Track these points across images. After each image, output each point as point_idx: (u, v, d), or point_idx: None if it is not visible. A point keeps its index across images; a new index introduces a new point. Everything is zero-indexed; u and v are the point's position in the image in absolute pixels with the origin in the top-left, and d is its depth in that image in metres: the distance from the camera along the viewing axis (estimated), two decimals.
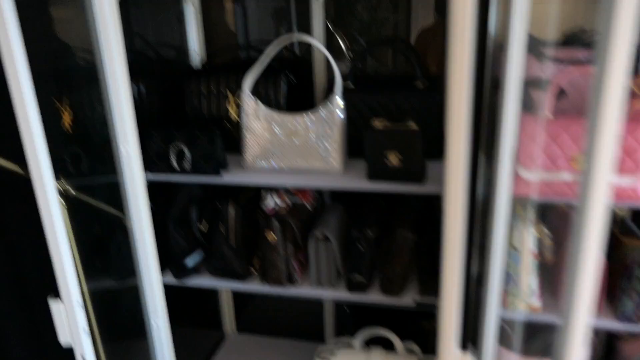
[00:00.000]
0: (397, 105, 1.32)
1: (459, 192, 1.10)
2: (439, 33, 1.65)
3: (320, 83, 1.53)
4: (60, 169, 1.09)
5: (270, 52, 1.27)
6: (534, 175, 1.08)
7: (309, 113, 1.26)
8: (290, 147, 1.28)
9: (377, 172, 1.20)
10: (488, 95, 1.04)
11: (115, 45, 1.14)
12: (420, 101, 1.31)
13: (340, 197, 1.58)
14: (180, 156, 1.29)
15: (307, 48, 1.60)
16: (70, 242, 1.09)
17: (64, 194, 1.04)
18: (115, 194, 1.28)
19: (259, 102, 1.28)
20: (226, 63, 1.63)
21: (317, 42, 1.23)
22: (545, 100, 1.07)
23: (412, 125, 1.16)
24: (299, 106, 1.47)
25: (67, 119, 1.38)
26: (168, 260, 1.43)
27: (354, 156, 1.34)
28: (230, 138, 1.44)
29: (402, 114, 1.32)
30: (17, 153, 0.98)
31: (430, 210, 1.40)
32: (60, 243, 1.05)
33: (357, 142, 1.34)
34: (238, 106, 1.43)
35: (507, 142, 0.99)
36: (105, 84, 1.17)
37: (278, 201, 1.33)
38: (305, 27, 1.67)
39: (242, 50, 1.67)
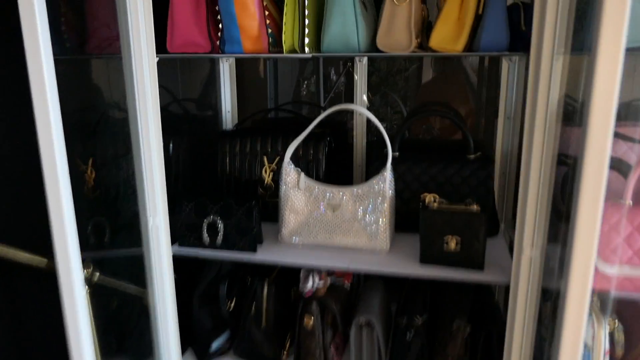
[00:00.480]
0: (447, 178, 1.22)
1: (529, 285, 0.98)
2: (437, 87, 1.59)
3: (359, 147, 1.44)
4: (82, 245, 0.99)
5: (316, 121, 1.18)
6: (615, 270, 0.96)
7: (356, 186, 1.16)
8: (333, 223, 1.17)
9: (431, 256, 1.08)
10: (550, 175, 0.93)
11: (151, 107, 1.06)
12: (471, 173, 1.21)
13: None
14: (212, 229, 1.18)
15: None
16: (90, 330, 0.97)
17: (87, 280, 0.92)
18: (138, 268, 1.16)
19: (301, 173, 1.18)
20: (259, 124, 1.54)
21: (368, 112, 1.13)
22: (629, 185, 0.96)
23: (474, 206, 1.05)
24: (336, 172, 1.38)
25: (90, 182, 1.29)
26: (191, 339, 1.29)
27: (400, 230, 1.23)
28: (263, 205, 1.34)
29: (452, 187, 1.21)
30: (37, 243, 0.87)
31: (486, 294, 1.27)
32: (81, 335, 0.93)
33: (402, 215, 1.23)
34: (273, 172, 1.33)
35: (585, 232, 0.87)
36: (138, 147, 1.08)
37: (318, 281, 1.21)
38: (348, 99, 1.60)
39: (275, 111, 1.59)
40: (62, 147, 0.82)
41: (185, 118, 1.53)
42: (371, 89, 1.63)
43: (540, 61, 0.86)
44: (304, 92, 1.80)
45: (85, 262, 0.88)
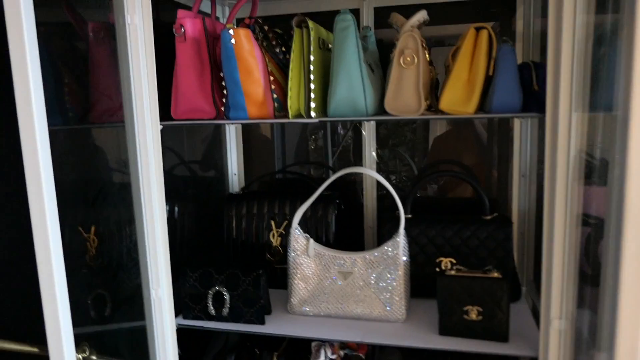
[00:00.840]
0: (463, 240, 1.16)
1: None
2: (447, 142, 1.56)
3: (369, 209, 1.40)
4: (80, 321, 0.93)
5: (323, 186, 1.14)
6: None
7: (368, 252, 1.10)
8: (345, 291, 1.11)
9: (451, 327, 1.01)
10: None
11: (154, 176, 1.03)
12: (488, 235, 1.15)
13: None
14: (218, 300, 1.12)
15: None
16: None
17: None
18: (140, 343, 1.10)
19: (310, 239, 1.13)
20: (267, 185, 1.51)
21: (378, 175, 1.10)
22: None
23: (495, 272, 0.99)
24: (346, 234, 1.33)
25: (92, 250, 1.24)
26: None
27: (415, 295, 1.17)
28: (271, 270, 1.28)
29: (469, 250, 1.16)
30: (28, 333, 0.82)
31: None
32: None
33: (418, 280, 1.17)
34: (281, 236, 1.28)
35: (630, 301, 0.80)
36: (140, 217, 1.04)
37: (330, 355, 1.14)
38: (356, 154, 1.58)
39: (282, 173, 1.56)
40: (56, 224, 0.78)
41: (191, 181, 1.50)
42: (379, 141, 1.60)
43: (557, 121, 0.82)
44: (312, 147, 1.77)
45: (80, 346, 0.82)
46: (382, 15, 1.32)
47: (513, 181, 1.29)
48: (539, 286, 1.25)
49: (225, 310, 1.11)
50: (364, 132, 1.39)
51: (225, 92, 1.04)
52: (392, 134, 1.63)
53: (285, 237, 1.27)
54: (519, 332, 1.03)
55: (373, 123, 1.36)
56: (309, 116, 0.99)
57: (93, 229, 1.23)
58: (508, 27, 1.31)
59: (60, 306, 0.80)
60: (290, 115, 1.01)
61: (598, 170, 0.93)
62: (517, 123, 1.28)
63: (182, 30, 1.02)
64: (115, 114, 1.01)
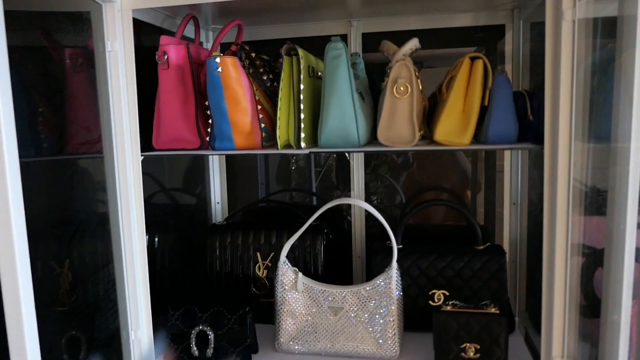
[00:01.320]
0: (456, 272, 1.13)
1: None
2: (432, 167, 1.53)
3: (358, 239, 1.36)
4: None
5: (311, 219, 1.10)
6: None
7: (360, 286, 1.06)
8: (336, 327, 1.06)
9: None
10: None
11: (134, 209, 0.97)
12: (482, 265, 1.13)
13: None
14: (202, 340, 1.05)
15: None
16: None
17: None
18: None
19: (299, 273, 1.08)
20: (251, 214, 1.46)
21: (368, 206, 1.06)
22: None
23: (492, 307, 0.95)
24: (335, 263, 1.29)
25: (66, 287, 1.17)
26: None
27: (408, 329, 1.13)
28: (257, 305, 1.22)
29: (462, 282, 1.12)
30: None
31: None
32: None
33: (410, 313, 1.13)
34: (267, 269, 1.23)
35: (619, 339, 0.78)
36: (119, 253, 0.98)
37: None
38: (339, 176, 1.54)
39: (266, 202, 1.51)
40: (26, 260, 0.71)
41: (172, 210, 1.44)
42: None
43: (557, 152, 0.80)
44: (293, 167, 1.73)
45: None
46: (369, 39, 1.30)
47: (504, 209, 1.27)
48: (532, 316, 1.22)
49: (210, 351, 1.05)
50: (347, 156, 1.35)
51: (210, 121, 1.00)
52: (376, 155, 1.60)
53: (271, 269, 1.22)
54: None
55: (362, 156, 1.33)
56: (299, 147, 0.95)
57: (67, 263, 1.16)
58: (494, 52, 1.30)
59: (29, 348, 0.73)
60: (279, 146, 0.97)
61: (593, 200, 0.91)
62: (507, 152, 1.26)
63: (166, 57, 0.97)
64: (94, 145, 0.96)
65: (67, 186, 1.08)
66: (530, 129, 0.93)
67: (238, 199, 1.52)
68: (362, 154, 1.32)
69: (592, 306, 0.95)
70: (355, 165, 1.32)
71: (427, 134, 0.98)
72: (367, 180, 1.47)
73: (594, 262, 0.98)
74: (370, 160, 1.47)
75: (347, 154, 1.37)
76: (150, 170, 1.35)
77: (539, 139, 0.88)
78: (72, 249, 1.14)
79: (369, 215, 1.36)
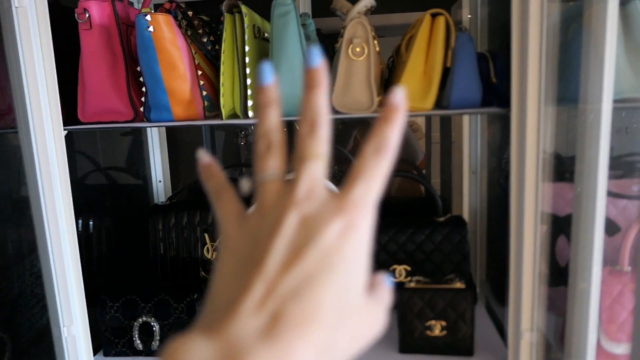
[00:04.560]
0: (417, 245, 1.08)
1: None
2: None
3: None
4: None
5: None
6: (622, 349, 0.84)
7: None
8: None
9: (412, 344, 0.92)
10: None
11: (59, 189, 0.85)
12: (443, 238, 1.08)
13: None
14: (146, 332, 0.96)
15: None
16: None
17: None
18: None
19: None
20: (197, 193, 1.35)
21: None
22: (624, 250, 0.86)
23: (458, 282, 0.91)
24: None
25: None
26: None
27: None
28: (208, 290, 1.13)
29: (424, 255, 1.08)
30: None
31: None
32: None
33: None
34: (217, 250, 1.14)
35: (589, 307, 0.75)
36: (44, 240, 0.86)
37: None
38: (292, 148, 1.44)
39: None
40: None
41: (108, 190, 1.31)
42: None
43: (525, 116, 0.74)
44: (242, 143, 1.63)
45: None
46: (319, 3, 1.20)
47: (464, 178, 1.22)
48: (494, 287, 1.20)
49: (155, 344, 0.95)
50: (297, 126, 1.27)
51: (144, 89, 0.88)
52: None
53: None
54: (483, 344, 0.96)
55: None
56: (246, 116, 0.86)
57: None
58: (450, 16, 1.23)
59: None
60: (223, 116, 0.87)
61: (556, 166, 0.87)
62: (465, 118, 1.21)
63: (87, 15, 0.84)
64: (3, 117, 0.82)
65: None
66: (494, 91, 0.87)
67: (182, 177, 1.41)
68: None
69: (555, 275, 0.92)
70: None
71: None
72: None
73: (556, 230, 0.95)
74: None
75: (297, 124, 1.28)
76: (82, 148, 1.21)
77: (503, 103, 0.83)
78: None
79: None
